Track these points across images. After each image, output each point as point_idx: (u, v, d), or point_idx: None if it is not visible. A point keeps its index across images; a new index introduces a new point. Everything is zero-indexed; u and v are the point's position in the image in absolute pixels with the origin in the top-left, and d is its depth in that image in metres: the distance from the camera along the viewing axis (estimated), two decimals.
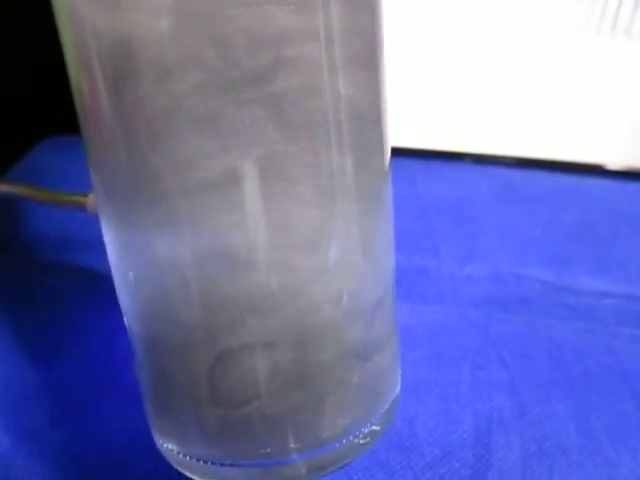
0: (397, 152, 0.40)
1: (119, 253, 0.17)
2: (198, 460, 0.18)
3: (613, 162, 0.39)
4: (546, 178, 0.38)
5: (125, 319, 0.18)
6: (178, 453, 0.19)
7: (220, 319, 0.16)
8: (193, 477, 0.19)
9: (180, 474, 0.19)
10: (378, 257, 0.18)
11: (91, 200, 0.25)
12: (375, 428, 0.19)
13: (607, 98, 0.38)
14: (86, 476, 0.21)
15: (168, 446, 0.19)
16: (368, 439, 0.19)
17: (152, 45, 0.13)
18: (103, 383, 0.24)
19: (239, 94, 0.13)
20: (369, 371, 0.18)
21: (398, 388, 0.20)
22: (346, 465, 0.19)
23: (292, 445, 0.17)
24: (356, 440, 0.18)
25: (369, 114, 0.16)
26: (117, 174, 0.15)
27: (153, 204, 0.15)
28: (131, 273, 0.16)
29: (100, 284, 0.28)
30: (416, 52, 0.39)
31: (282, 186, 0.14)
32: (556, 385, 0.24)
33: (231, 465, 0.18)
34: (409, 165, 0.40)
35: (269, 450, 0.17)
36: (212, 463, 0.18)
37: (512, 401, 0.23)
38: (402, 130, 0.41)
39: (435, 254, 0.32)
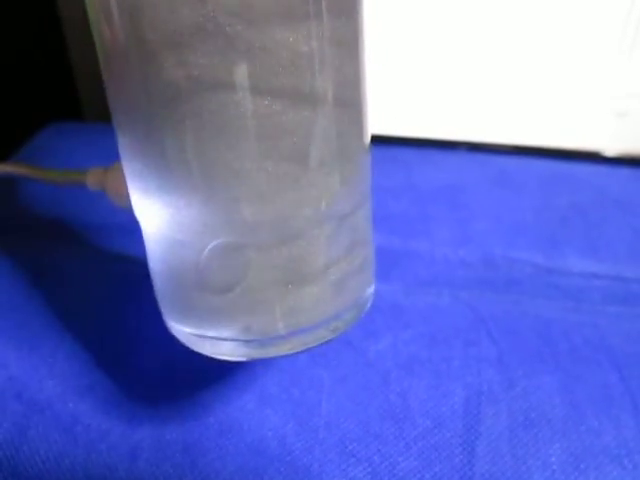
0: (394, 141, 0.42)
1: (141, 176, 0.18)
2: (198, 336, 0.20)
3: (605, 149, 0.39)
4: (538, 165, 0.39)
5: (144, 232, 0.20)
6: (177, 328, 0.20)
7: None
8: (196, 350, 0.20)
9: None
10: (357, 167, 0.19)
11: (91, 177, 0.26)
12: (339, 324, 0.20)
13: (597, 86, 0.39)
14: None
15: (174, 325, 0.20)
16: (330, 332, 0.20)
17: None
18: (113, 355, 0.25)
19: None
20: (342, 269, 0.19)
21: (368, 291, 0.21)
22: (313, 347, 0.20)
23: (277, 325, 0.19)
24: (323, 331, 0.20)
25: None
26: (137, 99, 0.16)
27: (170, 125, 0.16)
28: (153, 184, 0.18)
29: (111, 267, 0.30)
30: (412, 41, 0.40)
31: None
32: (543, 360, 0.25)
33: (225, 339, 0.19)
34: (405, 153, 0.41)
35: (254, 328, 0.19)
36: (211, 338, 0.19)
37: (501, 375, 0.24)
38: (399, 119, 0.42)
39: (429, 238, 0.33)
